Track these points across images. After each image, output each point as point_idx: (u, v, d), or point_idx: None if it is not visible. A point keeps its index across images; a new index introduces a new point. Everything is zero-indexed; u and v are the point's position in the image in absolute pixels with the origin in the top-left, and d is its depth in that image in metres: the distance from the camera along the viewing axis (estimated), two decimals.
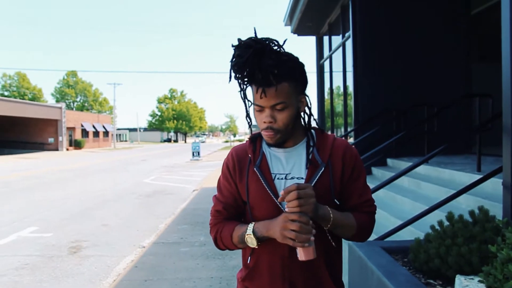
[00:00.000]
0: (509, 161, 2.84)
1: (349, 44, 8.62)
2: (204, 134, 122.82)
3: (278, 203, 1.37)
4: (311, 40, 12.91)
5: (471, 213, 2.55)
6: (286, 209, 1.27)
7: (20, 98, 55.12)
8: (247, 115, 1.45)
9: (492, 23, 7.57)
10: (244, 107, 1.42)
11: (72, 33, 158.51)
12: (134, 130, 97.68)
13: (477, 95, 6.01)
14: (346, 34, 9.03)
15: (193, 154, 27.06)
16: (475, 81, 7.82)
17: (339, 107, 10.80)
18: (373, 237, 4.24)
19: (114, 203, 10.17)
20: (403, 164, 6.67)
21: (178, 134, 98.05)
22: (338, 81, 10.59)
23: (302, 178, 1.40)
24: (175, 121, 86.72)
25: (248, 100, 1.40)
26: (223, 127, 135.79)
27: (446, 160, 6.53)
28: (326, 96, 12.20)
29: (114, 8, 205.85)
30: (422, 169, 5.98)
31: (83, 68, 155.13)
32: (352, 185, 1.44)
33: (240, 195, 1.48)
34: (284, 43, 1.36)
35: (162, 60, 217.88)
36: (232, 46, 1.35)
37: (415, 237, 2.80)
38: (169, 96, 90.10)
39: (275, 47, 1.34)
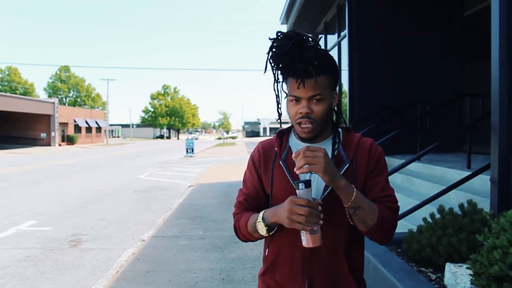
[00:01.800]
0: (496, 159, 3.02)
1: (344, 43, 8.79)
2: (196, 131, 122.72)
3: None
4: None
5: (461, 206, 2.73)
6: (295, 170, 1.28)
7: (11, 93, 54.72)
8: (279, 107, 1.47)
9: (486, 24, 7.77)
10: (276, 99, 1.44)
11: (65, 27, 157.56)
12: (127, 126, 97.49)
13: (468, 94, 6.20)
14: (342, 34, 9.20)
15: (187, 151, 27.13)
16: (470, 80, 8.03)
17: None
18: None
19: (111, 198, 10.28)
20: (397, 161, 6.86)
21: (171, 130, 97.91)
22: None
23: None
24: (168, 118, 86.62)
25: (284, 92, 1.42)
26: (216, 123, 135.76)
27: (438, 157, 6.73)
28: None
29: (108, 3, 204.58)
30: (415, 166, 6.18)
31: (76, 63, 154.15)
32: (374, 179, 1.43)
33: (263, 187, 1.50)
34: (319, 40, 1.44)
35: (156, 56, 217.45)
36: (270, 38, 1.38)
37: (408, 229, 2.97)
38: (162, 92, 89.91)
39: (312, 43, 1.37)
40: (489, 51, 3.24)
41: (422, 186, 5.46)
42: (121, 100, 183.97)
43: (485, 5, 7.26)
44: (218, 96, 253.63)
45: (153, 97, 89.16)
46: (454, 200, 4.36)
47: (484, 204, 3.48)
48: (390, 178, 5.27)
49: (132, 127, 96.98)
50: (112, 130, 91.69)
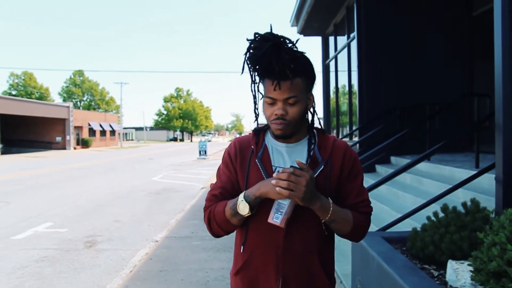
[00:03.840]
0: (500, 157, 3.05)
1: (354, 44, 8.84)
2: (209, 133, 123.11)
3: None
4: (317, 40, 13.14)
5: (464, 204, 2.78)
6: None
7: (27, 97, 55.62)
8: (255, 108, 1.50)
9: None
10: (253, 100, 1.46)
11: (79, 32, 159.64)
12: (141, 129, 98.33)
13: (476, 94, 6.21)
14: (351, 35, 9.25)
15: (200, 153, 27.31)
16: (480, 80, 8.01)
17: (344, 106, 11.02)
18: (374, 228, 4.48)
19: (125, 200, 10.46)
20: (406, 161, 6.88)
21: (184, 133, 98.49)
22: (343, 80, 10.81)
23: None
24: (181, 120, 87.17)
25: (260, 93, 1.44)
26: (229, 126, 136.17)
27: (448, 157, 6.74)
28: (332, 95, 12.42)
29: (121, 7, 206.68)
30: (424, 166, 6.21)
31: (90, 67, 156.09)
32: (350, 184, 1.48)
33: (239, 183, 1.51)
34: (296, 42, 1.42)
35: (169, 58, 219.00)
36: (248, 40, 1.39)
37: (413, 227, 3.03)
38: (176, 95, 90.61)
39: (289, 44, 1.40)
40: None
41: (430, 185, 5.48)
42: (134, 103, 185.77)
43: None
44: (231, 96, 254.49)
45: (166, 100, 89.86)
46: (461, 199, 4.38)
47: (491, 203, 3.52)
48: (399, 178, 5.34)
49: (146, 130, 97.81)
50: (126, 133, 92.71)
